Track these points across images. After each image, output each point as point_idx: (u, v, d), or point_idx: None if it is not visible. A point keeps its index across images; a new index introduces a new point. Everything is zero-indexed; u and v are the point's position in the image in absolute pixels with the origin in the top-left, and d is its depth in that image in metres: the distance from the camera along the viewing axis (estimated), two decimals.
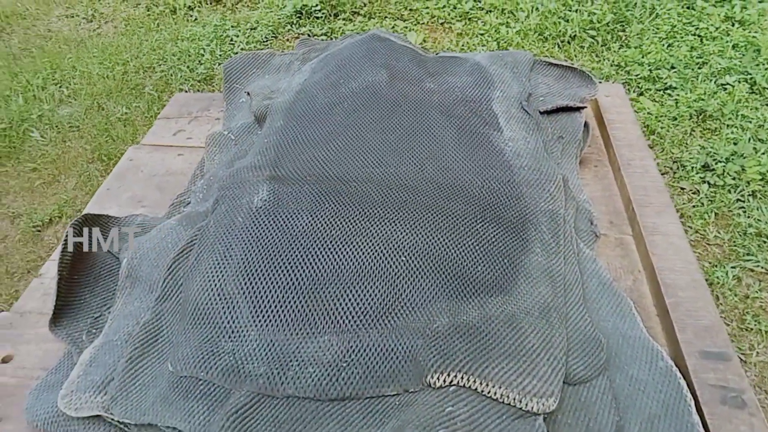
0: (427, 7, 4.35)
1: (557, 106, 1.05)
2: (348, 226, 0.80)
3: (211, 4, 4.80)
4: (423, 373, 0.63)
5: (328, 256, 0.77)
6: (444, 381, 0.61)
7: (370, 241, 0.78)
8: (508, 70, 1.12)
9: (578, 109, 1.06)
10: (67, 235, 0.84)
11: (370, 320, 0.70)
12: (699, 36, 3.70)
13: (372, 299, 0.72)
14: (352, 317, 0.70)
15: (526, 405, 0.60)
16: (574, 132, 1.03)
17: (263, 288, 0.74)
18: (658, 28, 4.00)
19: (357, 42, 1.19)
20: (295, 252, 0.77)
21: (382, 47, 1.16)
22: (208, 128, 1.22)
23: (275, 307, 0.72)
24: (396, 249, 0.77)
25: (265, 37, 4.31)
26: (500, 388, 0.60)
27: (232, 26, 4.47)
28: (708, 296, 0.79)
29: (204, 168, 1.04)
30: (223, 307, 0.73)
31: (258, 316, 0.72)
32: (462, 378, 0.61)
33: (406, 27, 4.19)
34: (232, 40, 4.26)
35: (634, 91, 3.61)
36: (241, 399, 0.65)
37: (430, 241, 0.77)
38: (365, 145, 0.94)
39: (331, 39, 4.17)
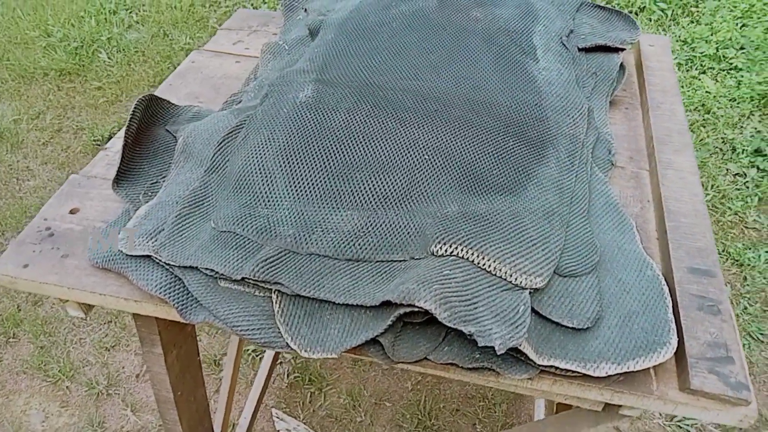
0: None
1: (596, 44, 1.09)
2: (380, 126, 0.88)
3: None
4: (428, 244, 0.71)
5: (359, 147, 0.85)
6: (445, 251, 0.69)
7: (398, 139, 0.86)
8: (555, 7, 1.16)
9: (617, 50, 1.10)
10: (135, 108, 0.95)
11: (388, 202, 0.78)
12: None
13: (393, 186, 0.80)
14: (374, 199, 0.79)
15: (516, 279, 0.68)
16: (608, 71, 1.07)
17: (299, 167, 0.83)
18: (734, 6, 3.86)
19: None
20: (330, 141, 0.86)
21: None
22: (263, 40, 1.31)
23: (308, 183, 0.81)
24: (420, 148, 0.84)
25: None
26: (494, 262, 0.68)
27: None
28: (707, 224, 0.84)
29: (257, 73, 1.13)
30: (262, 180, 0.83)
31: (292, 189, 0.81)
32: (461, 250, 0.69)
33: None
34: None
35: (696, 69, 3.52)
36: (270, 251, 0.75)
37: (453, 144, 0.85)
38: (406, 61, 1.01)
39: None
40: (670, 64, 1.17)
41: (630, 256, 0.79)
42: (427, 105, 0.92)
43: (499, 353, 0.62)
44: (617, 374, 0.68)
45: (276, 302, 0.73)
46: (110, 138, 3.09)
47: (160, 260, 0.78)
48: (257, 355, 2.18)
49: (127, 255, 0.81)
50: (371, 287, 0.69)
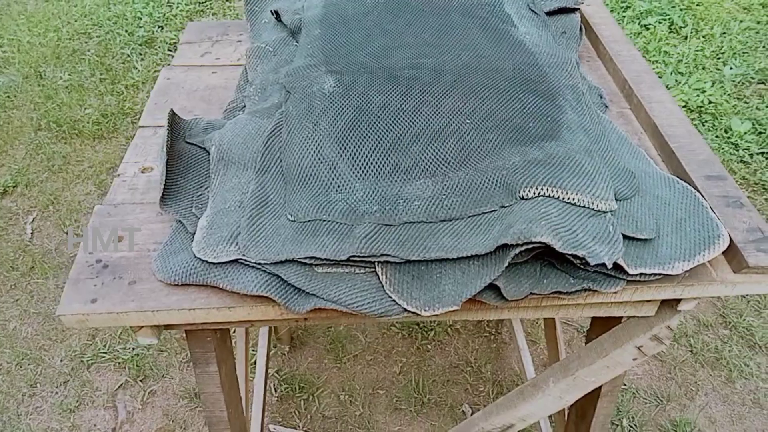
0: None
1: (556, 7, 1.22)
2: (413, 100, 0.93)
3: None
4: (515, 190, 0.78)
5: (403, 122, 0.90)
6: (533, 193, 0.77)
7: (436, 109, 0.92)
8: None
9: (572, 10, 1.24)
10: (168, 125, 0.92)
11: (454, 165, 0.84)
12: None
13: (450, 151, 0.86)
14: (439, 164, 0.85)
15: (597, 205, 0.77)
16: (573, 28, 1.20)
17: (357, 150, 0.87)
18: None
19: None
20: (375, 121, 0.90)
21: None
22: (232, 50, 1.31)
23: (371, 163, 0.85)
24: (459, 113, 0.91)
25: None
26: (576, 194, 0.77)
27: None
28: (701, 140, 0.99)
29: (249, 77, 1.14)
30: (325, 168, 0.85)
31: (358, 172, 0.85)
32: (547, 189, 0.77)
33: None
34: (169, 2, 4.18)
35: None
36: (366, 228, 0.78)
37: (485, 106, 0.93)
38: (404, 42, 1.07)
39: None
40: (611, 18, 1.33)
41: (655, 176, 0.91)
42: (444, 77, 0.99)
43: (609, 267, 0.71)
44: (686, 271, 0.79)
45: (382, 274, 0.77)
46: (5, 193, 2.83)
47: (249, 261, 0.79)
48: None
49: (210, 264, 0.80)
50: (476, 238, 0.75)
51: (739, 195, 0.89)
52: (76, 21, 4.03)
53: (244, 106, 1.08)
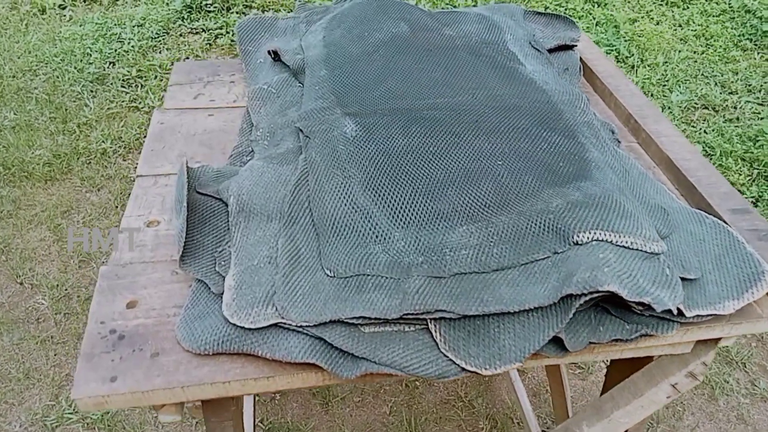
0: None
1: (557, 45, 1.23)
2: (440, 142, 0.90)
3: (85, 2, 4.52)
4: (567, 235, 0.76)
5: (434, 165, 0.87)
6: (587, 238, 0.75)
7: (464, 150, 0.89)
8: (508, 18, 1.28)
9: (571, 47, 1.25)
10: (189, 180, 0.86)
11: (494, 209, 0.82)
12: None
13: (488, 194, 0.83)
14: (478, 209, 0.82)
15: (649, 248, 0.75)
16: (574, 64, 1.21)
17: (392, 197, 0.83)
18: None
19: (362, 2, 1.29)
20: (404, 166, 0.86)
21: (391, 4, 1.26)
22: (226, 91, 1.25)
23: (408, 210, 0.81)
24: (489, 154, 0.89)
25: (156, 33, 4.16)
26: (629, 237, 0.75)
27: (115, 24, 4.25)
28: (718, 173, 1.00)
29: (253, 120, 1.08)
30: (360, 218, 0.81)
31: (396, 220, 0.81)
32: (600, 234, 0.75)
33: None
34: (120, 37, 4.06)
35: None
36: (416, 283, 0.73)
37: (513, 146, 0.91)
38: (416, 82, 1.05)
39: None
40: (601, 52, 1.35)
41: (683, 212, 0.91)
42: (465, 117, 0.97)
43: (675, 313, 0.69)
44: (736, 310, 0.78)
45: (435, 331, 0.72)
46: None
47: (291, 324, 0.73)
48: None
49: (246, 330, 0.73)
50: (534, 288, 0.72)
51: (767, 227, 0.90)
52: (19, 58, 3.85)
53: (252, 151, 1.03)
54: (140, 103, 3.48)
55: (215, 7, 4.33)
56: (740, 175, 3.10)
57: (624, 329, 0.75)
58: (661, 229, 0.84)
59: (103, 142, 3.18)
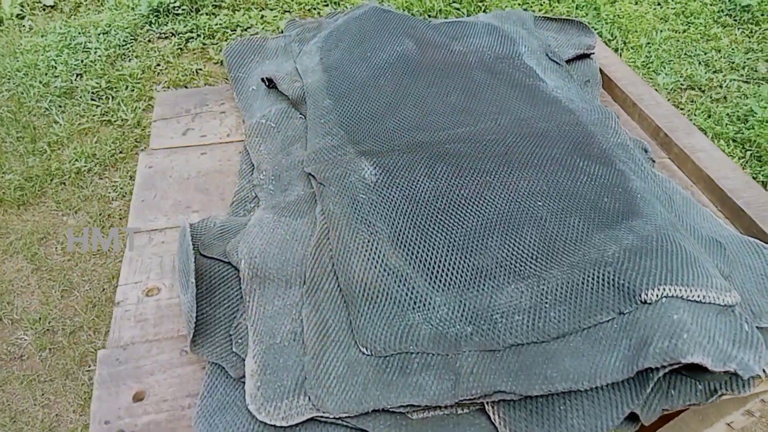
0: None
1: (575, 55, 1.14)
2: (470, 182, 0.81)
3: (45, 10, 4.32)
4: (633, 293, 0.67)
5: (468, 212, 0.78)
6: (656, 295, 0.66)
7: (499, 191, 0.80)
8: (519, 26, 1.18)
9: (588, 55, 1.16)
10: (190, 239, 0.75)
11: (544, 262, 0.73)
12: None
13: (533, 243, 0.75)
14: (525, 263, 0.73)
15: (723, 300, 0.67)
16: (594, 75, 1.12)
17: (425, 254, 0.73)
18: None
19: (360, 17, 1.18)
20: (435, 215, 0.77)
21: (391, 18, 1.16)
22: (217, 123, 1.14)
23: (446, 269, 0.72)
24: (527, 194, 0.80)
25: (123, 41, 3.98)
26: (701, 290, 0.67)
27: (79, 33, 4.06)
28: (764, 191, 0.92)
29: (253, 160, 0.98)
30: (394, 282, 0.71)
31: (434, 282, 0.71)
32: (669, 289, 0.67)
33: (275, 17, 4.11)
34: (85, 47, 3.87)
35: None
36: (468, 360, 0.65)
37: (552, 182, 0.82)
38: (432, 109, 0.95)
39: (213, 33, 3.96)
40: (616, 56, 1.27)
41: (735, 241, 0.83)
42: (492, 149, 0.87)
43: (763, 377, 0.61)
44: None
45: (493, 413, 0.64)
46: None
47: (328, 417, 0.63)
48: None
49: (276, 428, 0.64)
50: (603, 359, 0.63)
51: None
52: None
53: (255, 197, 0.92)
54: (112, 116, 3.31)
55: (183, 10, 4.16)
56: (733, 157, 3.06)
57: (698, 391, 0.67)
58: (722, 268, 0.76)
59: (76, 160, 3.02)
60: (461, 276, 0.72)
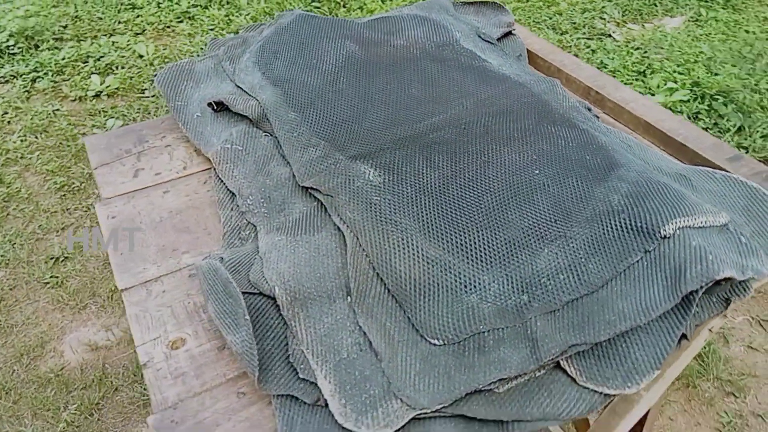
0: (140, 15, 4.06)
1: (502, 33, 1.21)
2: (468, 165, 0.86)
3: None
4: (654, 232, 0.75)
5: (479, 191, 0.82)
6: (671, 230, 0.75)
7: (497, 168, 0.86)
8: (445, 13, 1.24)
9: (511, 32, 1.24)
10: (224, 283, 0.71)
11: (563, 222, 0.79)
12: None
13: (547, 207, 0.81)
14: (547, 226, 0.78)
15: (719, 221, 0.78)
16: (523, 49, 1.21)
17: (459, 239, 0.76)
18: None
19: (289, 26, 1.16)
20: (451, 200, 0.80)
21: (323, 23, 1.16)
22: (168, 159, 1.07)
23: (483, 249, 0.76)
24: (521, 166, 0.86)
25: None
26: (701, 217, 0.77)
27: None
28: (699, 129, 1.06)
29: (230, 188, 0.94)
30: (441, 271, 0.73)
31: (476, 263, 0.75)
32: (680, 221, 0.75)
33: (128, 41, 3.86)
34: None
35: None
36: (536, 325, 0.69)
37: (537, 151, 0.88)
38: (400, 104, 0.97)
39: (62, 68, 3.63)
40: (529, 31, 1.37)
41: (694, 173, 0.95)
42: (472, 130, 0.92)
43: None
44: None
45: (569, 366, 0.69)
46: None
47: (427, 413, 0.64)
48: None
49: None
50: (647, 294, 0.70)
51: (766, 168, 0.97)
52: None
53: (248, 224, 0.89)
54: None
55: (20, 48, 3.76)
56: None
57: (715, 303, 0.77)
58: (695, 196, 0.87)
59: None
60: (498, 252, 0.76)
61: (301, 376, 0.69)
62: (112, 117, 3.28)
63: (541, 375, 0.69)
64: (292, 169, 0.91)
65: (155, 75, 1.11)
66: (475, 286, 0.73)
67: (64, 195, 2.88)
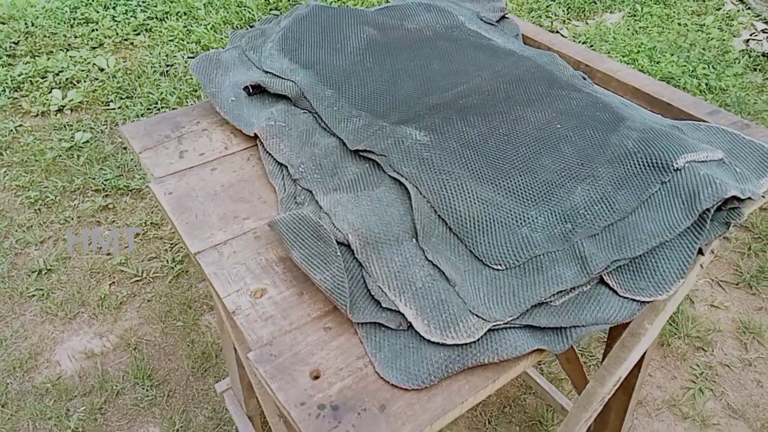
0: (95, 30, 4.03)
1: (498, 17, 1.35)
2: (501, 123, 0.98)
3: None
4: (668, 166, 0.88)
5: (513, 143, 0.95)
6: (682, 163, 0.88)
7: (525, 125, 0.99)
8: (447, 0, 1.36)
9: (505, 16, 1.38)
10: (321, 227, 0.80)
11: (589, 165, 0.92)
12: None
13: (573, 153, 0.94)
14: (577, 168, 0.91)
15: (716, 156, 0.92)
16: (518, 31, 1.34)
17: (505, 182, 0.89)
18: None
19: (308, 16, 1.26)
20: (492, 151, 0.93)
21: (339, 12, 1.26)
22: (207, 141, 1.14)
23: (527, 190, 0.89)
24: (545, 122, 0.99)
25: None
26: (703, 153, 0.91)
27: None
28: (680, 91, 1.22)
29: (279, 159, 1.02)
30: (494, 209, 0.85)
31: (522, 201, 0.87)
32: (687, 156, 0.89)
33: (86, 56, 3.83)
34: None
35: None
36: (582, 246, 0.81)
37: (555, 108, 1.02)
38: (426, 78, 1.09)
39: (19, 84, 3.57)
40: (514, 15, 1.51)
41: (680, 125, 1.10)
42: (496, 96, 1.05)
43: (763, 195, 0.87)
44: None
45: (610, 280, 0.81)
46: None
47: (499, 324, 0.75)
48: None
49: (464, 347, 0.74)
50: (669, 216, 0.84)
51: (739, 119, 1.14)
52: None
53: (302, 190, 0.98)
54: None
55: None
56: None
57: (718, 225, 0.91)
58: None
59: None
60: (539, 191, 0.88)
61: (383, 305, 0.79)
62: (79, 130, 3.26)
63: (589, 289, 0.80)
64: (338, 138, 1.01)
65: (189, 65, 1.17)
66: (525, 220, 0.84)
67: (38, 209, 2.84)
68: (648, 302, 0.81)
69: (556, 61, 1.19)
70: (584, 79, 1.24)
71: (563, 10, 4.31)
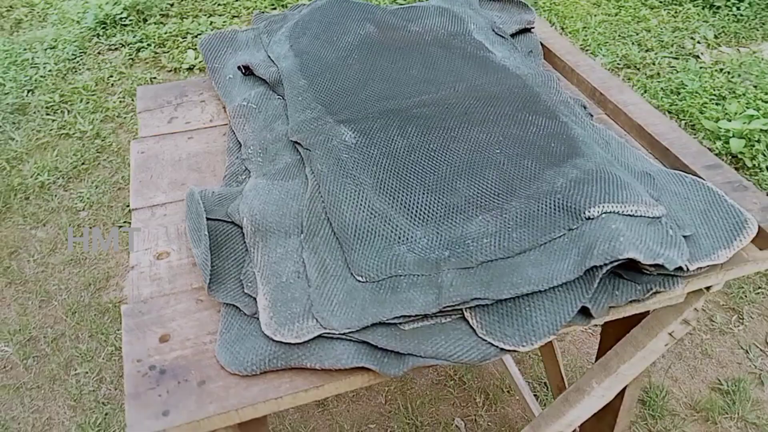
0: (238, 0, 4.36)
1: (517, 29, 1.28)
2: (437, 138, 0.94)
3: None
4: (578, 212, 0.81)
5: (438, 162, 0.91)
6: (597, 212, 0.80)
7: (462, 143, 0.93)
8: (467, 7, 1.32)
9: (529, 29, 1.31)
10: (199, 202, 0.85)
11: (505, 196, 0.86)
12: None
13: (495, 183, 0.88)
14: (488, 198, 0.86)
15: (652, 213, 0.82)
16: (536, 46, 1.27)
17: (405, 198, 0.86)
18: None
19: (322, 6, 1.30)
20: (410, 166, 0.90)
21: (352, 6, 1.28)
22: (199, 111, 1.23)
23: (423, 208, 0.85)
24: (486, 144, 0.93)
25: (72, 54, 3.98)
26: (633, 206, 0.82)
27: (25, 49, 4.03)
28: (686, 134, 1.08)
29: (239, 138, 1.08)
30: (380, 222, 0.83)
31: (414, 220, 0.84)
32: (607, 206, 0.81)
33: (224, 22, 4.16)
34: (33, 63, 3.85)
35: None
36: (447, 276, 0.77)
37: (505, 133, 0.95)
38: (398, 81, 1.07)
39: (163, 41, 3.98)
40: (554, 31, 1.42)
41: (662, 174, 0.99)
42: (453, 110, 1.00)
43: (687, 270, 0.76)
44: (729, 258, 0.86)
45: (472, 318, 0.76)
46: None
47: (334, 333, 0.75)
48: None
49: (291, 346, 0.75)
50: (558, 265, 0.77)
51: (740, 179, 0.99)
52: None
53: (246, 170, 1.03)
54: (70, 129, 3.33)
55: (131, 20, 4.18)
56: None
57: (637, 290, 0.81)
58: (652, 193, 0.91)
59: (38, 175, 3.03)
60: (436, 213, 0.85)
61: (245, 291, 0.82)
62: None
63: (445, 322, 0.77)
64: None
65: (199, 40, 1.27)
66: (407, 238, 0.82)
67: None
68: (510, 350, 0.75)
69: (551, 83, 1.11)
70: (583, 108, 1.15)
71: (713, 33, 3.88)
